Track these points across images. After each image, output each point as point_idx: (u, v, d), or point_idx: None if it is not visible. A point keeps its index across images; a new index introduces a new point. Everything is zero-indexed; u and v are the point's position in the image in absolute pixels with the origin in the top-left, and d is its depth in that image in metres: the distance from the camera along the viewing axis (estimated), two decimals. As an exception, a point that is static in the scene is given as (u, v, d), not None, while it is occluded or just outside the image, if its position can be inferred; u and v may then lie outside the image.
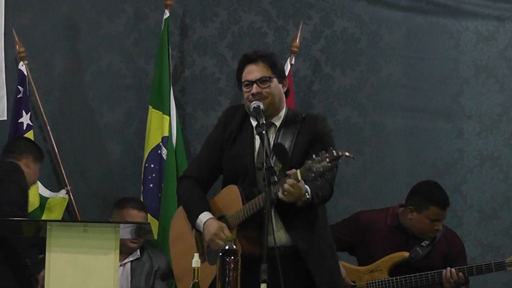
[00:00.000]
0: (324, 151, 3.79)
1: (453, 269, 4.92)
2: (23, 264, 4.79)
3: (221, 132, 4.24)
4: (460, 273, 4.91)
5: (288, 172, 3.86)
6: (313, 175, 3.79)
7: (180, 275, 4.28)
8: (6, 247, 4.74)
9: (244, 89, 4.13)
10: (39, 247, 4.78)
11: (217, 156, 4.22)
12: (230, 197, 4.12)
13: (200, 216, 4.12)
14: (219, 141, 4.23)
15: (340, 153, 3.76)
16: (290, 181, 3.83)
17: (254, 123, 4.15)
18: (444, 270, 4.93)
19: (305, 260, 4.05)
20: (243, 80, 4.15)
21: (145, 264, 5.34)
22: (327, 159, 3.76)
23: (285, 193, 3.83)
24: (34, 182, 5.31)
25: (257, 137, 4.12)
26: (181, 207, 4.36)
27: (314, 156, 3.80)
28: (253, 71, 4.13)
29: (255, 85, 4.09)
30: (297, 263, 4.05)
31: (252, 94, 4.09)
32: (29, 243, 4.76)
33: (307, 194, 3.91)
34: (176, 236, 4.35)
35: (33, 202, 5.31)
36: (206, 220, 4.10)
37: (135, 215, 5.33)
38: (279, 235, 4.03)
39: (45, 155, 5.72)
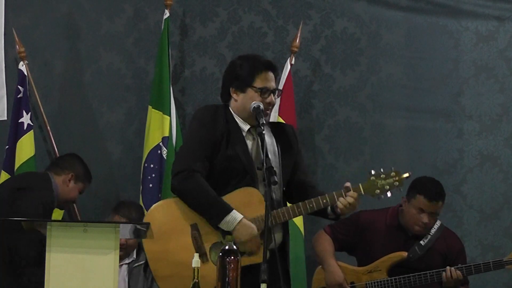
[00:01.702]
0: (385, 169, 3.94)
1: (452, 268, 4.92)
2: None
3: (212, 132, 4.13)
4: (459, 271, 4.91)
5: (346, 185, 3.97)
6: (378, 191, 3.92)
7: (164, 275, 4.11)
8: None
9: (258, 95, 4.10)
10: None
11: (211, 154, 4.12)
12: (251, 200, 4.06)
13: (232, 213, 4.00)
14: (212, 140, 4.12)
15: (408, 173, 3.96)
16: (352, 193, 3.94)
17: (243, 125, 4.16)
18: (444, 272, 4.93)
19: (285, 259, 4.10)
20: (260, 85, 4.10)
21: (143, 265, 5.34)
22: (395, 178, 3.84)
23: (348, 205, 3.95)
24: (72, 202, 5.33)
25: (248, 141, 4.15)
26: (159, 203, 4.26)
27: (376, 171, 3.88)
28: (271, 80, 4.15)
29: (272, 94, 4.13)
30: (282, 260, 4.06)
31: (268, 103, 4.11)
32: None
33: None
34: (156, 233, 4.07)
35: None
36: (243, 219, 4.00)
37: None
38: (278, 236, 4.06)
39: (45, 155, 5.75)
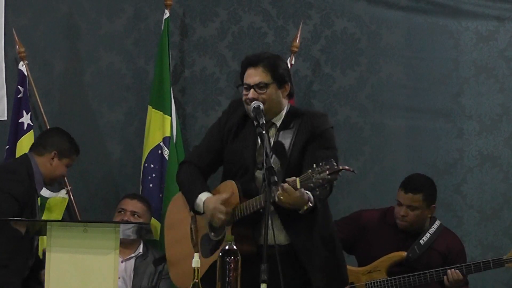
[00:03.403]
0: (324, 162, 3.78)
1: (452, 270, 4.91)
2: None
3: (223, 124, 4.23)
4: (457, 271, 4.91)
5: (288, 179, 3.87)
6: (312, 185, 3.79)
7: (172, 261, 4.33)
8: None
9: (244, 91, 4.13)
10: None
11: (217, 147, 4.22)
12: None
13: (200, 195, 4.11)
14: (220, 132, 4.22)
15: (340, 167, 3.76)
16: (285, 185, 3.83)
17: (255, 122, 4.15)
18: (445, 275, 4.92)
19: (300, 259, 4.05)
20: (242, 82, 4.14)
21: (149, 264, 5.34)
22: (327, 171, 3.76)
23: (281, 197, 3.84)
24: (61, 177, 5.30)
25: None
26: (179, 193, 4.35)
27: (314, 166, 3.80)
28: (252, 75, 4.10)
29: (252, 90, 4.08)
30: (293, 261, 4.05)
31: (249, 99, 4.09)
32: None
33: (309, 202, 3.91)
34: (172, 222, 4.37)
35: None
36: (206, 198, 4.09)
37: (127, 203, 5.38)
38: (277, 234, 4.04)
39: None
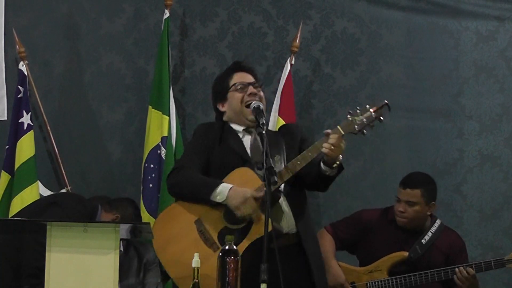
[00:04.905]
0: (358, 106, 3.91)
1: (461, 267, 4.92)
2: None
3: (205, 138, 4.28)
4: (469, 268, 4.91)
5: (326, 131, 3.97)
6: (356, 127, 3.90)
7: (182, 276, 4.13)
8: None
9: (237, 92, 4.21)
10: None
11: (204, 160, 4.25)
12: (245, 177, 4.10)
13: (223, 183, 4.08)
14: (205, 144, 4.26)
15: (382, 103, 3.88)
16: (333, 135, 3.92)
17: (238, 127, 4.25)
18: (455, 275, 4.92)
19: (306, 255, 4.14)
20: (233, 83, 4.23)
21: (133, 260, 5.29)
22: (372, 109, 3.82)
23: (332, 146, 3.91)
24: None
25: (244, 139, 4.22)
26: (162, 213, 4.33)
27: (351, 111, 3.91)
28: (246, 76, 4.26)
29: (251, 86, 4.16)
30: (298, 254, 4.12)
31: (249, 94, 4.14)
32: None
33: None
34: (167, 239, 4.20)
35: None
36: (233, 186, 4.06)
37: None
38: (289, 221, 4.07)
39: (45, 155, 5.75)
